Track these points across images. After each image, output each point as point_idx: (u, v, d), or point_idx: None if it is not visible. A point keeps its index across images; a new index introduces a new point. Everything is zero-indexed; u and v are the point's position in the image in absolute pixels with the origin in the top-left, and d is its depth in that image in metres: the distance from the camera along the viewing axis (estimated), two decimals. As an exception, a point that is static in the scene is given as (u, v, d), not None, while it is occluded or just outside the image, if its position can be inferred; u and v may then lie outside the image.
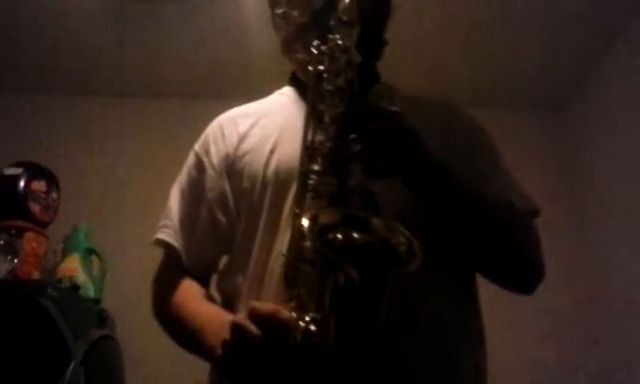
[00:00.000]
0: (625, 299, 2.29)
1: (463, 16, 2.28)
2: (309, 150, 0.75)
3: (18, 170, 1.86)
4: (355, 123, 0.70)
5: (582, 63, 2.54)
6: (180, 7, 2.25)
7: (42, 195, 1.89)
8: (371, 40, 0.81)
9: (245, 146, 0.96)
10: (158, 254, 1.07)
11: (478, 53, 2.46)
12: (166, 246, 1.01)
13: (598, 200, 2.52)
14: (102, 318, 1.78)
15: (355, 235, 0.62)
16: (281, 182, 0.88)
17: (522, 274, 0.91)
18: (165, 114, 2.71)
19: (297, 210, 0.72)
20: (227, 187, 0.96)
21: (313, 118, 0.77)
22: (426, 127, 0.78)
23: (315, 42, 0.80)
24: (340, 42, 0.76)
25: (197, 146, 1.04)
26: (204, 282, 1.00)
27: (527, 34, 2.37)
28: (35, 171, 1.90)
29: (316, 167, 0.73)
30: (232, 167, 0.96)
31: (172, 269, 1.00)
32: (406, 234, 0.62)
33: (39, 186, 1.89)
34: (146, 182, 2.58)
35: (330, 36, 0.78)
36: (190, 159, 1.04)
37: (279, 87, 1.12)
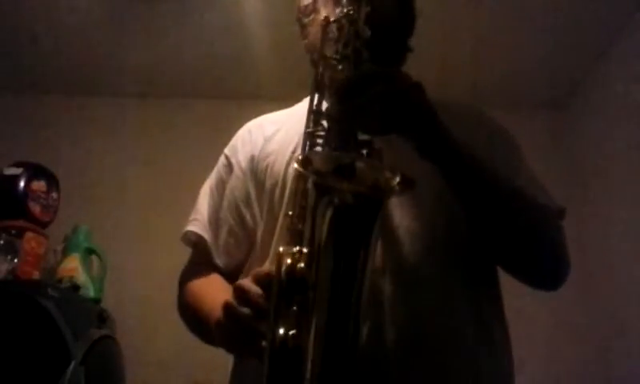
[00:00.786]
0: (625, 296, 2.29)
1: (463, 16, 2.28)
2: (315, 115, 0.78)
3: (17, 170, 1.86)
4: (359, 85, 0.71)
5: (582, 63, 2.54)
6: (180, 7, 2.25)
7: (42, 195, 1.89)
8: (384, 27, 0.82)
9: (269, 148, 1.00)
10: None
11: (479, 53, 2.46)
12: (195, 240, 1.04)
13: (599, 199, 2.52)
14: (102, 318, 1.78)
15: (346, 183, 0.62)
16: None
17: (549, 270, 0.91)
18: (165, 114, 2.71)
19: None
20: (252, 187, 1.00)
21: (320, 83, 0.80)
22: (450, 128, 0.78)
23: (323, 15, 0.83)
24: (350, 13, 0.77)
25: (226, 150, 1.09)
26: (231, 280, 1.01)
27: (527, 34, 2.37)
28: (35, 171, 1.90)
29: (321, 129, 0.76)
30: (257, 167, 1.00)
31: (200, 263, 1.03)
32: (392, 169, 0.62)
33: (39, 185, 1.89)
34: (146, 181, 2.58)
35: (338, 10, 0.79)
36: (220, 162, 1.09)
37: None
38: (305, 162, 0.62)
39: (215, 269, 1.01)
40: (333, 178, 0.61)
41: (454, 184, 0.81)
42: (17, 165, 1.89)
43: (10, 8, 2.26)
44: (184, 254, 1.09)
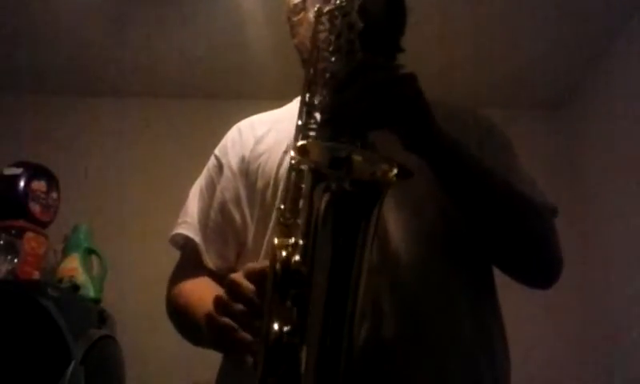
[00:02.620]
0: (625, 298, 2.29)
1: (463, 16, 2.28)
2: (307, 106, 0.76)
3: (17, 170, 1.86)
4: (351, 76, 0.69)
5: (582, 63, 2.54)
6: (180, 7, 2.25)
7: (42, 195, 1.89)
8: (376, 20, 0.82)
9: (260, 148, 0.99)
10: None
11: (478, 53, 2.46)
12: (184, 242, 1.03)
13: (598, 200, 2.52)
14: (102, 318, 1.78)
15: (343, 178, 0.60)
16: None
17: (542, 264, 0.90)
18: (165, 114, 2.71)
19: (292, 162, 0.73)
20: (242, 188, 0.99)
21: (313, 75, 0.78)
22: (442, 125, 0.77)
23: (316, 7, 0.82)
24: (343, 5, 0.77)
25: (216, 150, 1.07)
26: (222, 282, 1.00)
27: (527, 34, 2.37)
28: (35, 171, 1.90)
29: (314, 122, 0.75)
30: (248, 168, 0.99)
31: (190, 266, 1.02)
32: (389, 160, 0.61)
33: (39, 185, 1.89)
34: (146, 181, 2.58)
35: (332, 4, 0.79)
36: (210, 162, 1.08)
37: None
38: (301, 150, 0.61)
39: (205, 271, 0.99)
40: (330, 169, 0.60)
41: (443, 179, 0.80)
42: (17, 165, 1.89)
43: (10, 8, 2.26)
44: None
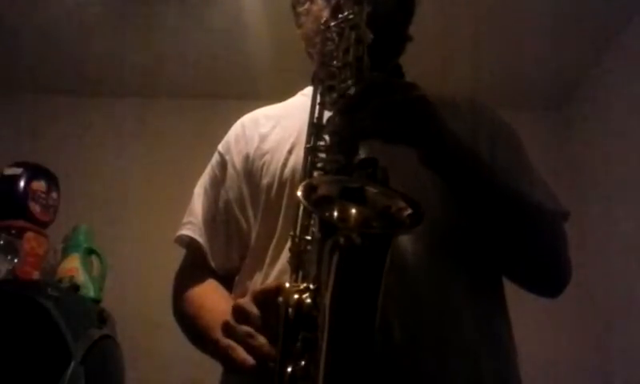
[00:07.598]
0: (625, 299, 2.29)
1: (463, 16, 2.28)
2: (316, 127, 0.74)
3: (17, 170, 1.85)
4: (363, 96, 0.68)
5: (582, 63, 2.54)
6: (180, 7, 2.26)
7: (42, 195, 1.89)
8: (386, 26, 0.80)
9: (265, 146, 0.98)
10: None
11: (478, 53, 2.46)
12: (189, 242, 1.03)
13: (598, 199, 2.52)
14: (102, 318, 1.78)
15: (354, 207, 0.59)
16: (298, 180, 0.88)
17: (551, 275, 0.90)
18: (165, 114, 2.71)
19: None
20: (246, 188, 0.98)
21: (321, 94, 0.76)
22: (452, 126, 0.77)
23: (324, 19, 0.81)
24: (350, 17, 0.76)
25: (220, 146, 1.06)
26: (227, 283, 1.00)
27: (527, 34, 2.37)
28: (35, 171, 1.90)
29: (323, 144, 0.73)
30: (252, 167, 0.97)
31: (195, 266, 1.01)
32: (406, 198, 0.60)
33: (39, 186, 1.89)
34: (146, 181, 2.58)
35: (340, 15, 0.78)
36: (214, 159, 1.06)
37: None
38: (308, 188, 0.59)
39: (210, 272, 0.99)
40: (339, 209, 0.58)
41: (457, 191, 0.81)
42: (17, 165, 1.88)
43: (11, 8, 2.26)
44: (183, 254, 1.08)
